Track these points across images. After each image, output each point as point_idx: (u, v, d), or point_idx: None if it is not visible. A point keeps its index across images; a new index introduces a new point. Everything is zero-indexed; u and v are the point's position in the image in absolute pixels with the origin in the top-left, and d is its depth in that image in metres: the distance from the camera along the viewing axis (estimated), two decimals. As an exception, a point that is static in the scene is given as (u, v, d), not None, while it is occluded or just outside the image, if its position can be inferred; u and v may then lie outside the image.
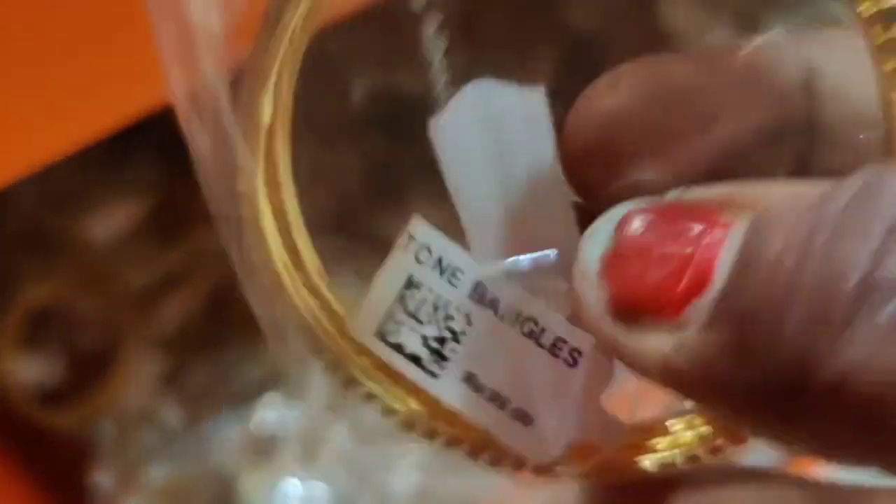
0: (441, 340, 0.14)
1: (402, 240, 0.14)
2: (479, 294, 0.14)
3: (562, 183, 0.15)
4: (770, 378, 0.10)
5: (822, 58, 0.13)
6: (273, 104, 0.15)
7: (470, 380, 0.14)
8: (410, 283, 0.14)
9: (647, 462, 0.14)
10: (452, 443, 0.15)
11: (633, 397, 0.15)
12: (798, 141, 0.14)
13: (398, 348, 0.14)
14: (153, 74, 0.28)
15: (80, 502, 0.47)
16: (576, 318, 0.13)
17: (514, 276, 0.14)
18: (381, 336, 0.14)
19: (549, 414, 0.14)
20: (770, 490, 0.13)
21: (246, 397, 0.48)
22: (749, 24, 0.67)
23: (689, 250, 0.11)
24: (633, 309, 0.12)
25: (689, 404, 0.14)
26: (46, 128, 0.28)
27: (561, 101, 0.56)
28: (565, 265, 0.13)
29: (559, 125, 0.14)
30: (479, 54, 0.64)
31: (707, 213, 0.12)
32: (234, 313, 0.49)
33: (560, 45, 0.63)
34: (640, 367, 0.12)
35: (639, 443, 0.15)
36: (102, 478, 0.47)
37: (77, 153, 0.49)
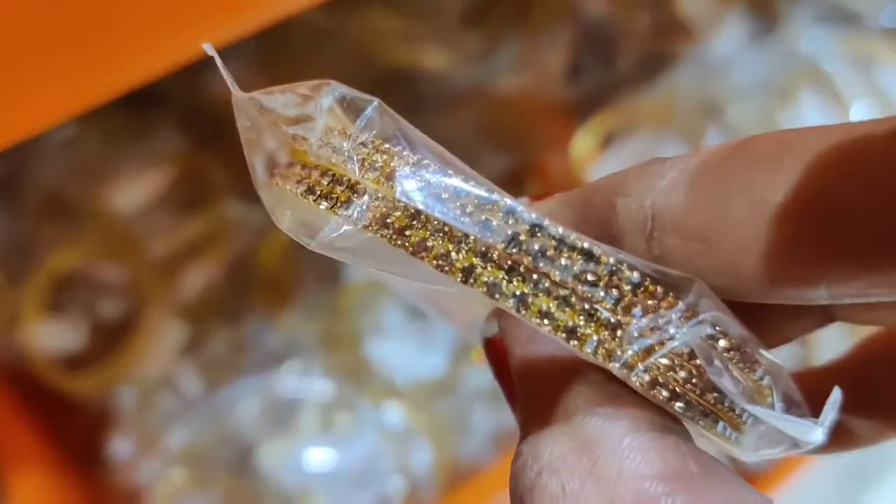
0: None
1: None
2: None
3: None
4: None
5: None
6: None
7: None
8: None
9: None
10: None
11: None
12: None
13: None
14: (171, 33, 0.28)
15: (99, 466, 0.48)
16: None
17: None
18: None
19: None
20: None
21: (265, 365, 0.48)
22: (762, 10, 0.67)
23: None
24: None
25: None
26: (61, 85, 0.28)
27: (579, 81, 0.56)
28: None
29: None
30: (496, 36, 0.64)
31: None
32: (254, 283, 0.49)
33: (574, 29, 0.63)
34: None
35: None
36: (122, 442, 0.48)
37: (102, 124, 0.49)
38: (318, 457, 0.46)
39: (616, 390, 0.13)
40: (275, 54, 0.54)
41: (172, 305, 0.48)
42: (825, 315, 0.16)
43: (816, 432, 0.13)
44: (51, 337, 0.47)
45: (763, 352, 0.14)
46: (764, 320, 0.15)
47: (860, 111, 0.65)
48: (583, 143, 0.59)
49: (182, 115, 0.49)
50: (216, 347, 0.48)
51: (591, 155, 0.59)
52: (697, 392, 0.13)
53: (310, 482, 0.45)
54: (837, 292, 0.12)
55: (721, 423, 0.13)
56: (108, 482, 0.47)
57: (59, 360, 0.47)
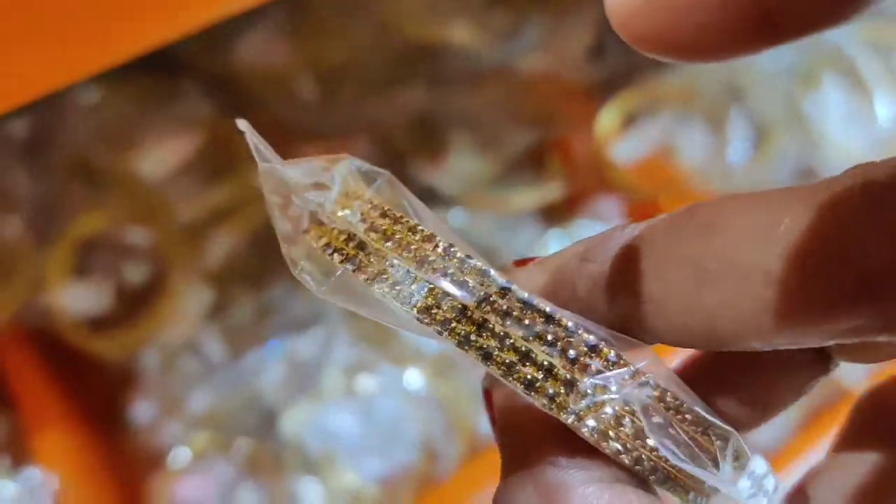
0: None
1: None
2: None
3: None
4: None
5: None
6: None
7: None
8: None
9: None
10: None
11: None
12: None
13: None
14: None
15: (122, 428, 0.48)
16: None
17: None
18: None
19: None
20: None
21: (289, 331, 0.48)
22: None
23: None
24: None
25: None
26: (86, 41, 0.28)
27: (603, 61, 0.55)
28: None
29: None
30: (522, 14, 0.64)
31: None
32: (279, 249, 0.49)
33: (599, 8, 0.63)
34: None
35: None
36: (145, 405, 0.48)
37: (129, 89, 0.50)
38: (341, 422, 0.46)
39: (575, 444, 0.14)
40: (301, 24, 0.54)
41: (197, 270, 0.48)
42: (820, 366, 0.17)
43: (760, 500, 0.15)
44: (76, 299, 0.47)
45: (712, 417, 0.15)
46: (760, 383, 0.16)
47: (882, 98, 0.65)
48: (606, 121, 0.59)
49: (209, 82, 0.49)
50: (240, 313, 0.48)
51: (614, 133, 0.59)
52: (648, 448, 0.14)
53: (332, 447, 0.45)
54: (771, 345, 0.13)
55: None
56: (131, 444, 0.48)
57: (83, 323, 0.48)
